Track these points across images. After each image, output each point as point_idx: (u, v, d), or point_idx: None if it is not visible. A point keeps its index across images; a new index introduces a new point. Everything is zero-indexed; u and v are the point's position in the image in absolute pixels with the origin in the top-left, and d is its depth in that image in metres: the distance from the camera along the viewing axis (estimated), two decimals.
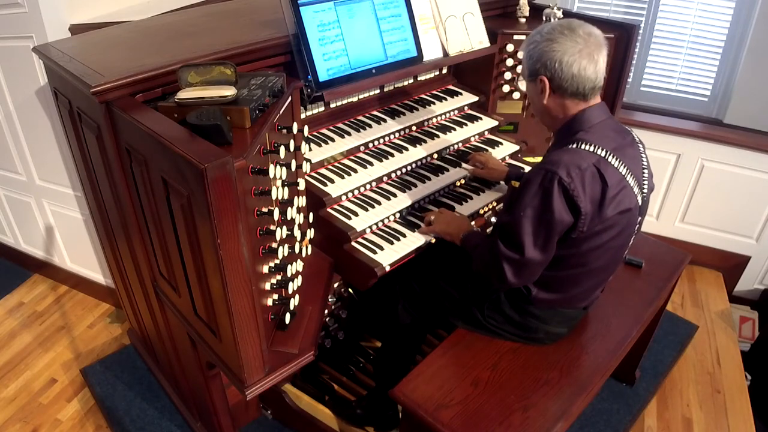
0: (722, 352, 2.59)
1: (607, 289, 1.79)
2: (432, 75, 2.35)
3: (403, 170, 2.01)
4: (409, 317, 1.86)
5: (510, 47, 2.26)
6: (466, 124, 2.26)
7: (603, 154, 1.40)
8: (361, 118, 2.07)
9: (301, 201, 1.73)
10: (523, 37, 2.24)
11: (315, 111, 1.97)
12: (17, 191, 2.73)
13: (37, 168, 2.55)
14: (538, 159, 2.41)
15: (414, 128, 2.16)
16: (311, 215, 1.79)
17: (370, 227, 1.79)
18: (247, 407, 2.13)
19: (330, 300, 2.08)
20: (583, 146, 1.41)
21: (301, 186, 1.73)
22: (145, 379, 2.36)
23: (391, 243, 1.75)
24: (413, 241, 1.77)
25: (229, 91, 1.34)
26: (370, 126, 2.03)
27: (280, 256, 1.46)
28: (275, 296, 1.51)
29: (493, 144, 2.27)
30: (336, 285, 2.05)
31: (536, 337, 1.66)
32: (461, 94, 2.36)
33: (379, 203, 1.85)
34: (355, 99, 2.08)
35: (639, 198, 1.50)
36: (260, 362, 1.41)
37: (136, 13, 2.34)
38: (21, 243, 3.01)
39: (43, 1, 2.01)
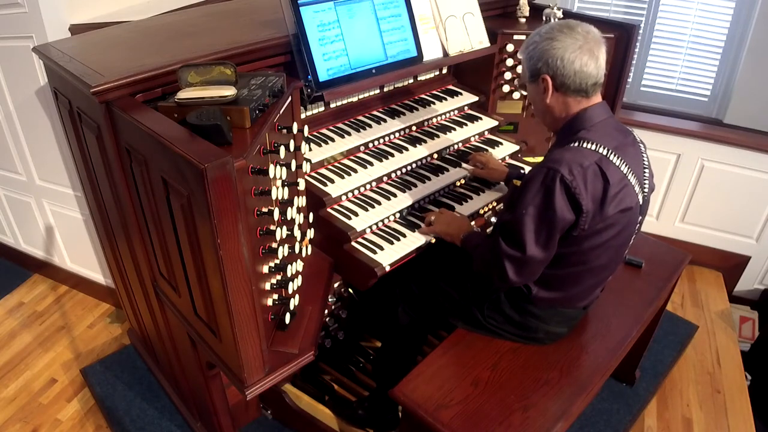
0: (722, 352, 2.59)
1: (607, 289, 1.79)
2: (432, 75, 2.35)
3: (403, 170, 2.01)
4: (409, 319, 1.86)
5: (510, 47, 2.26)
6: (466, 124, 2.26)
7: (605, 153, 1.40)
8: (361, 118, 2.07)
9: (301, 201, 1.73)
10: (523, 37, 2.24)
11: (315, 111, 1.97)
12: (17, 191, 2.73)
13: (37, 168, 2.55)
14: (538, 159, 2.41)
15: (414, 128, 2.16)
16: (311, 215, 1.79)
17: (370, 227, 1.79)
18: (247, 407, 2.13)
19: (330, 300, 2.07)
20: (585, 144, 1.41)
21: (301, 186, 1.73)
22: (145, 379, 2.36)
23: (391, 243, 1.75)
24: (413, 241, 1.77)
25: (229, 91, 1.34)
26: (370, 126, 2.03)
27: (280, 256, 1.46)
28: (275, 296, 1.51)
29: (493, 144, 2.27)
30: (336, 285, 2.05)
31: (536, 337, 1.66)
32: (461, 94, 2.36)
33: (379, 203, 1.85)
34: (355, 99, 2.08)
35: (640, 197, 1.50)
36: (260, 362, 1.41)
37: (136, 13, 2.34)
38: (21, 243, 3.01)
39: (43, 1, 2.01)
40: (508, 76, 2.30)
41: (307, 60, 1.70)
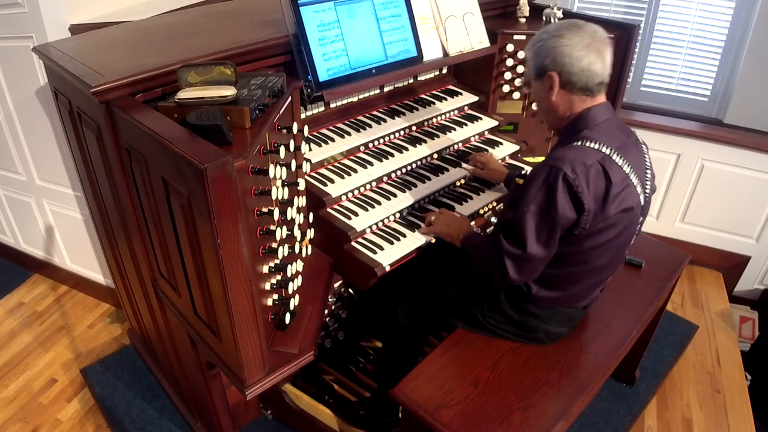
0: (722, 352, 2.59)
1: (607, 289, 1.79)
2: (432, 75, 2.35)
3: (404, 170, 2.01)
4: (409, 320, 1.86)
5: (510, 47, 2.26)
6: (466, 124, 2.26)
7: (608, 152, 1.40)
8: (361, 118, 2.07)
9: (301, 201, 1.73)
10: (523, 37, 2.24)
11: (315, 111, 1.97)
12: (17, 191, 2.73)
13: (37, 168, 2.55)
14: (539, 159, 2.41)
15: (414, 128, 2.16)
16: (311, 215, 1.79)
17: (370, 227, 1.79)
18: (247, 407, 2.13)
19: (330, 300, 2.07)
20: (588, 143, 1.41)
21: (301, 186, 1.73)
22: (145, 379, 2.36)
23: (392, 243, 1.75)
24: (413, 241, 1.77)
25: (229, 91, 1.34)
26: (370, 126, 2.03)
27: (280, 256, 1.46)
28: (275, 296, 1.51)
29: (493, 144, 2.27)
30: (336, 285, 2.05)
31: (536, 337, 1.66)
32: (461, 94, 2.36)
33: (379, 203, 1.85)
34: (355, 99, 2.08)
35: (641, 198, 1.50)
36: (260, 362, 1.41)
37: (136, 13, 2.34)
38: (21, 243, 3.01)
39: (43, 1, 2.01)
40: (508, 76, 2.30)
41: (307, 60, 1.70)
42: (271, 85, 1.47)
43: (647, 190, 1.53)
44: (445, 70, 2.40)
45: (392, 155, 2.00)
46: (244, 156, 1.20)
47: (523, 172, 2.11)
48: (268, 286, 1.47)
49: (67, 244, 2.77)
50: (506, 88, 2.34)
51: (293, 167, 1.61)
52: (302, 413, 2.05)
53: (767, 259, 2.96)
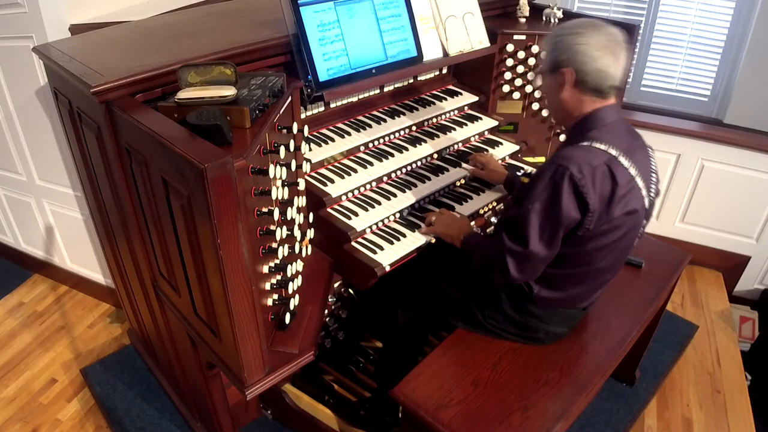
0: (722, 352, 2.59)
1: (607, 289, 1.78)
2: (432, 75, 2.35)
3: (403, 170, 2.01)
4: (408, 320, 1.86)
5: (510, 47, 2.26)
6: (466, 124, 2.26)
7: (615, 154, 1.40)
8: (361, 118, 2.07)
9: (301, 201, 1.73)
10: (523, 37, 2.24)
11: (315, 111, 1.97)
12: (17, 191, 2.73)
13: (37, 168, 2.55)
14: (539, 159, 2.41)
15: (414, 128, 2.16)
16: (311, 215, 1.79)
17: (370, 227, 1.79)
18: (247, 407, 2.13)
19: (330, 300, 2.07)
20: (595, 144, 1.41)
21: (301, 186, 1.73)
22: (145, 379, 2.36)
23: (392, 243, 1.75)
24: (413, 241, 1.77)
25: (229, 91, 1.34)
26: (370, 126, 2.03)
27: (280, 256, 1.46)
28: (275, 296, 1.51)
29: (493, 144, 2.27)
30: (336, 285, 2.05)
31: (536, 337, 1.66)
32: (461, 94, 2.36)
33: (379, 203, 1.85)
34: (355, 99, 2.08)
35: (646, 201, 1.50)
36: (260, 362, 1.41)
37: (136, 13, 2.34)
38: (21, 243, 3.01)
39: (43, 1, 2.01)
40: (508, 76, 2.30)
41: (307, 60, 1.70)
42: (271, 85, 1.47)
43: (652, 194, 1.53)
44: (445, 70, 2.40)
45: (392, 155, 2.00)
46: (244, 156, 1.20)
47: (523, 172, 2.11)
48: (268, 286, 1.47)
49: (67, 244, 2.77)
50: (506, 88, 2.34)
51: (293, 167, 1.61)
52: (302, 413, 2.05)
53: (767, 259, 2.96)
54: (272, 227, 1.40)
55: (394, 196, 1.89)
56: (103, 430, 2.19)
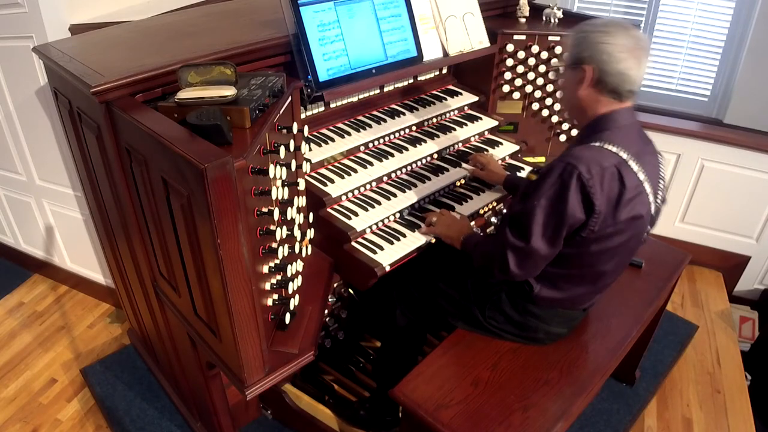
0: (722, 352, 2.59)
1: (608, 289, 1.78)
2: (432, 75, 2.35)
3: (403, 170, 2.01)
4: (407, 321, 1.86)
5: (510, 47, 2.26)
6: (466, 124, 2.26)
7: (625, 157, 1.40)
8: (361, 118, 2.07)
9: (301, 201, 1.73)
10: (523, 37, 2.24)
11: (315, 111, 1.97)
12: (17, 191, 2.73)
13: (37, 168, 2.55)
14: (539, 159, 2.42)
15: (414, 128, 2.16)
16: (311, 215, 1.79)
17: (370, 227, 1.79)
18: (247, 407, 2.13)
19: (330, 300, 2.07)
20: (607, 146, 1.40)
21: (301, 186, 1.73)
22: (145, 379, 2.36)
23: (391, 243, 1.75)
24: (413, 241, 1.77)
25: (229, 91, 1.34)
26: (370, 126, 2.03)
27: (280, 256, 1.46)
28: (275, 296, 1.51)
29: (493, 144, 2.27)
30: (336, 285, 2.05)
31: (536, 337, 1.66)
32: (461, 94, 2.36)
33: (379, 203, 1.85)
34: (355, 99, 2.08)
35: (652, 207, 1.50)
36: (260, 362, 1.41)
37: (136, 13, 2.34)
38: (21, 243, 3.01)
39: (43, 1, 2.01)
40: (508, 76, 2.30)
41: (307, 60, 1.70)
42: (271, 85, 1.47)
43: (659, 200, 1.53)
44: (445, 70, 2.40)
45: (392, 155, 2.00)
46: (244, 156, 1.20)
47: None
48: (268, 286, 1.47)
49: (67, 244, 2.77)
50: (506, 88, 2.34)
51: (293, 167, 1.61)
52: (302, 413, 2.05)
53: (767, 259, 2.96)
54: (272, 227, 1.40)
55: (394, 196, 1.89)
56: (103, 430, 2.19)
